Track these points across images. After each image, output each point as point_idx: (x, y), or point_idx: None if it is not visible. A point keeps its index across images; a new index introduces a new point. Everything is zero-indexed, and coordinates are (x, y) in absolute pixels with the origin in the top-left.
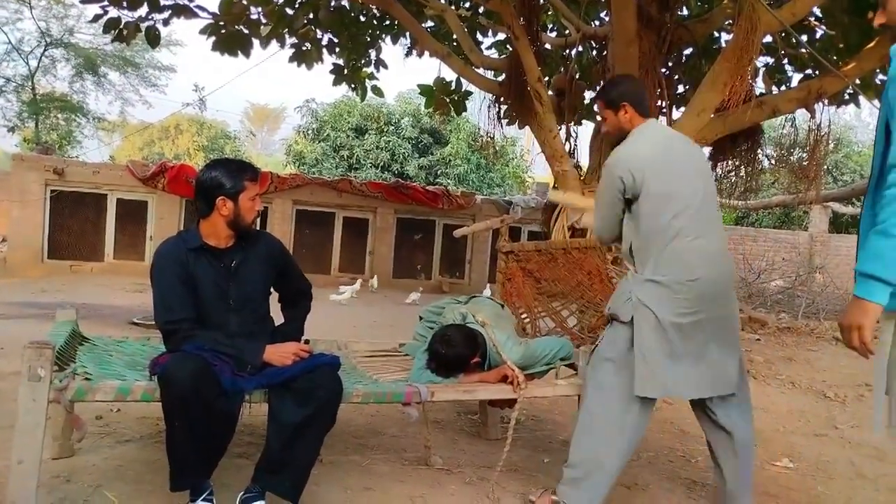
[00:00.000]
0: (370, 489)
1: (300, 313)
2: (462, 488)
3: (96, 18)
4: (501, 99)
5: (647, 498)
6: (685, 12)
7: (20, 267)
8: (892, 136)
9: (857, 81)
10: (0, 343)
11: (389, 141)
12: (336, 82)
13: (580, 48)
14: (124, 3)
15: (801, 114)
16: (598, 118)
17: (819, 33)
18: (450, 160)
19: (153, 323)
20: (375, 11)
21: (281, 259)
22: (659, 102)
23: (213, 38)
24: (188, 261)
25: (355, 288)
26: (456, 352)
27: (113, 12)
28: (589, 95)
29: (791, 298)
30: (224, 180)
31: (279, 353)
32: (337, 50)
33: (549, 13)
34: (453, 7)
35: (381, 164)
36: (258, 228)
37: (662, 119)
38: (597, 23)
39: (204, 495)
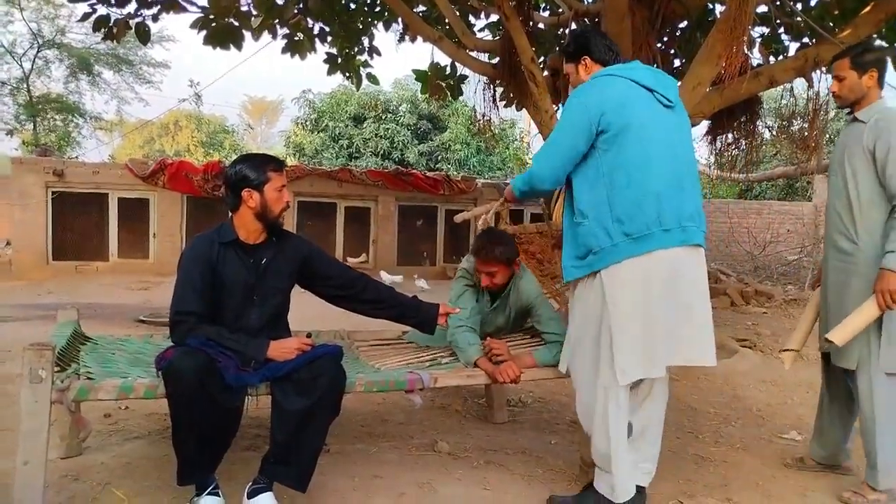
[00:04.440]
0: (378, 477)
1: (384, 289)
2: (469, 473)
3: (85, 17)
4: (497, 81)
5: (657, 474)
6: None
7: (26, 269)
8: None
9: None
10: (7, 345)
11: (388, 128)
12: (330, 72)
13: (573, 26)
14: (112, 1)
15: (800, 83)
16: (836, 77)
17: (813, 1)
18: (449, 145)
19: (159, 320)
20: None
21: (309, 253)
22: None
23: (203, 32)
24: (217, 255)
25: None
26: (507, 239)
27: (102, 10)
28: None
29: (797, 270)
30: (248, 172)
31: (282, 349)
32: (329, 39)
33: None
34: None
35: (381, 152)
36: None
37: None
38: None
39: (209, 489)
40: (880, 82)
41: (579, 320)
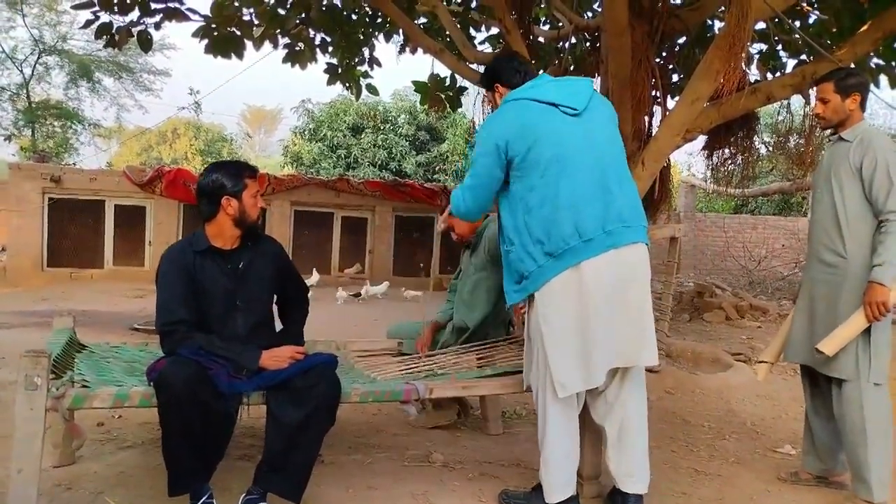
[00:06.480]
0: (373, 488)
1: (299, 317)
2: (464, 484)
3: (87, 24)
4: None
5: (651, 487)
6: (677, 1)
7: (21, 276)
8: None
9: (852, 65)
10: (1, 353)
11: (386, 139)
12: (330, 82)
13: (573, 40)
14: (115, 8)
15: (797, 99)
16: (820, 99)
17: (812, 18)
18: (447, 156)
19: (154, 328)
20: (367, 9)
21: (283, 262)
22: (653, 92)
23: (205, 41)
24: (194, 264)
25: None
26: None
27: (104, 17)
28: None
29: (792, 285)
30: (226, 181)
31: (274, 358)
32: (330, 49)
33: (542, 6)
34: (445, 2)
35: (379, 162)
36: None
37: (657, 109)
38: (589, 14)
39: (203, 498)
40: (862, 105)
41: (530, 339)
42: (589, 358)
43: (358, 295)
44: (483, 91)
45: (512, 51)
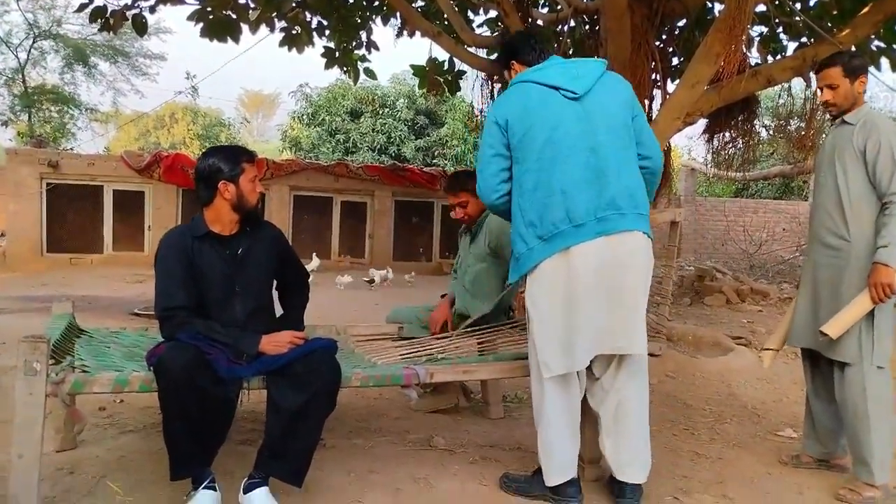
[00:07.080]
0: (374, 472)
1: (299, 303)
2: (465, 468)
3: (82, 8)
4: (494, 77)
5: (652, 470)
6: None
7: (20, 261)
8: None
9: (853, 48)
10: (1, 338)
11: (385, 123)
12: (328, 66)
13: (572, 23)
14: None
15: (798, 82)
16: (827, 86)
17: (812, 0)
18: (446, 141)
19: (153, 313)
20: None
21: (283, 247)
22: (653, 75)
23: (201, 25)
24: (193, 249)
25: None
26: (470, 172)
27: (98, 1)
28: None
29: (793, 269)
30: (222, 165)
31: (274, 343)
32: (327, 33)
33: None
34: None
35: (378, 146)
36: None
37: (657, 93)
38: None
39: (205, 483)
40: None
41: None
42: (572, 342)
43: (372, 281)
44: (482, 76)
45: (530, 29)
